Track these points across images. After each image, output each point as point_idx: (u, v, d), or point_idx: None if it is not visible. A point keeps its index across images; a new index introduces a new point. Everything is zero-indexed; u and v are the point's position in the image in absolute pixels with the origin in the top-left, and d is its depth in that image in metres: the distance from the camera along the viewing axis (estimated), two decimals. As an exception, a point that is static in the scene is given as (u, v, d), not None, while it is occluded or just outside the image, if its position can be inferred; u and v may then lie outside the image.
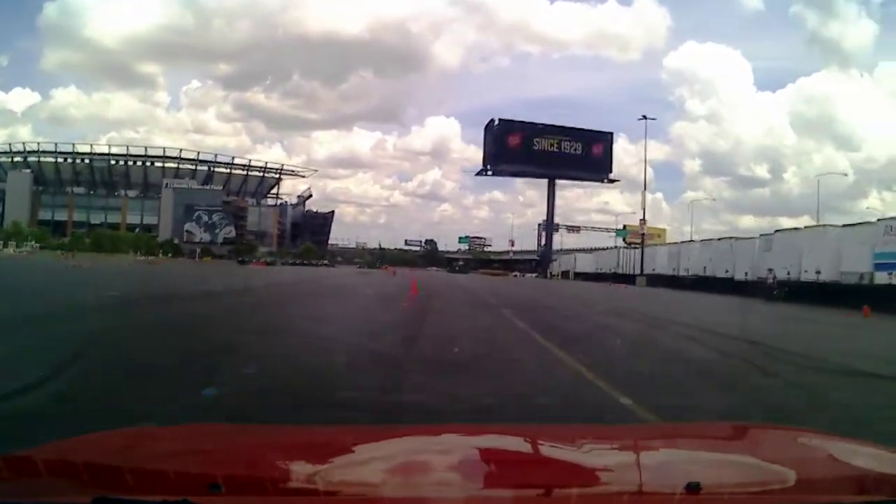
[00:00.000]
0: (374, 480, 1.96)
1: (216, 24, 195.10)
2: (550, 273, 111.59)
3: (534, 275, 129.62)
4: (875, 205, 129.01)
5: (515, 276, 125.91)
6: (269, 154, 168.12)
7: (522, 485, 1.87)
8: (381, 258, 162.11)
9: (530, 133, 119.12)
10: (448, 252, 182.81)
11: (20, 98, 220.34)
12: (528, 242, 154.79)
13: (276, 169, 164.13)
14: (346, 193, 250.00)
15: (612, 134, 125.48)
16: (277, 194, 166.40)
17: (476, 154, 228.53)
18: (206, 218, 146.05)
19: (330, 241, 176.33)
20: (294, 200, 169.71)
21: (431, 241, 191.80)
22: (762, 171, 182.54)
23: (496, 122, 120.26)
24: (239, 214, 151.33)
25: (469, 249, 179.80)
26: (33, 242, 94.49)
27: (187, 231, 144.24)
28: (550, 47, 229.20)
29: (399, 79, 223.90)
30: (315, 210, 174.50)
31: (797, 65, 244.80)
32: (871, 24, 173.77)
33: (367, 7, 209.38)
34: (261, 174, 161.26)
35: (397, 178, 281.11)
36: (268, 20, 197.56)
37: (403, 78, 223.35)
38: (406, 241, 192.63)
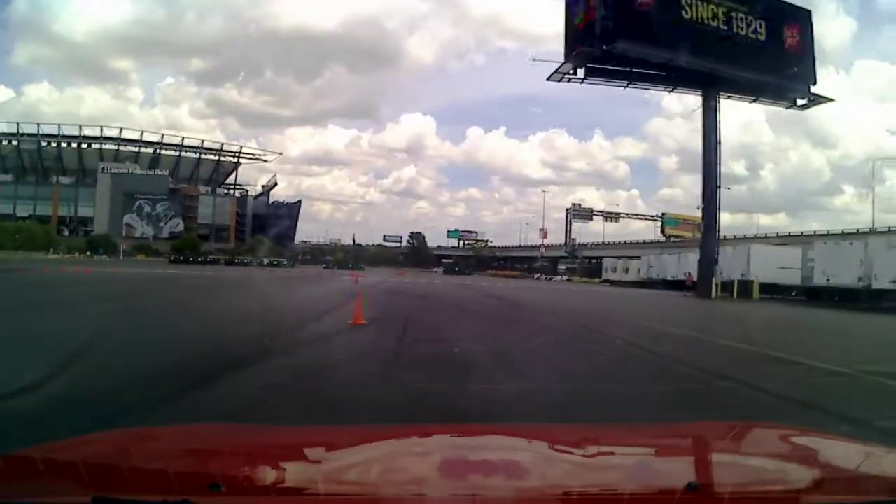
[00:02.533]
0: (374, 480, 1.98)
1: (189, 18, 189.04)
2: (715, 284, 46.96)
3: (561, 277, 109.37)
4: None
5: (538, 278, 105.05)
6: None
7: (523, 485, 1.91)
8: (355, 256, 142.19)
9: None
10: (437, 249, 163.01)
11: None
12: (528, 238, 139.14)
13: (234, 152, 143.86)
14: (320, 191, 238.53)
15: (809, 13, 57.32)
16: (235, 182, 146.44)
17: (451, 150, 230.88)
18: (148, 208, 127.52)
19: (298, 237, 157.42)
20: (258, 190, 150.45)
21: (418, 234, 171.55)
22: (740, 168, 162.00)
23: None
24: (188, 205, 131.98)
25: (468, 245, 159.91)
26: None
27: (126, 224, 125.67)
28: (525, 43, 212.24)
29: (373, 75, 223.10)
30: (281, 201, 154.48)
31: None
32: None
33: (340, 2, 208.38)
34: (216, 158, 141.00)
35: (373, 176, 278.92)
36: (241, 15, 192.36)
37: (377, 74, 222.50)
38: (385, 236, 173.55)
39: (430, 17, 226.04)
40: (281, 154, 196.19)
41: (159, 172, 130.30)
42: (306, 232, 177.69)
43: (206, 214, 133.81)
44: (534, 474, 2.06)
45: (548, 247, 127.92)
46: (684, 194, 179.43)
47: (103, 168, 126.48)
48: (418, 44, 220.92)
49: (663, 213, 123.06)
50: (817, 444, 2.33)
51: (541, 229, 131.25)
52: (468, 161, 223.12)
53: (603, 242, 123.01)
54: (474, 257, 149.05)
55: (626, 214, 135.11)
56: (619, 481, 1.91)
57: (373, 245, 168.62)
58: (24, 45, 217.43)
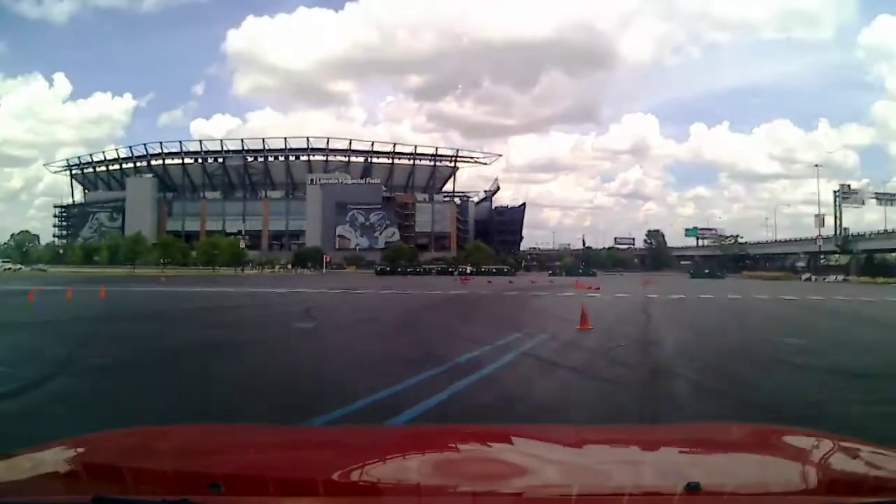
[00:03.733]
0: (374, 480, 1.98)
1: (401, 37, 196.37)
2: None
3: (836, 277, 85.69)
4: None
5: (808, 280, 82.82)
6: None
7: (522, 485, 1.90)
8: (585, 261, 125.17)
9: None
10: (673, 250, 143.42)
11: (220, 124, 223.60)
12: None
13: (451, 157, 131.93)
14: (547, 197, 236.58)
15: None
16: (454, 188, 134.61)
17: (675, 149, 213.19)
18: (361, 218, 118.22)
19: (526, 244, 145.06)
20: (481, 197, 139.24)
21: (656, 232, 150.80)
22: None
23: None
24: (405, 213, 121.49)
25: (714, 244, 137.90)
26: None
27: (339, 236, 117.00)
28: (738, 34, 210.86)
29: (590, 77, 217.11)
30: (504, 206, 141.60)
31: None
32: None
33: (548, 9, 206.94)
34: (431, 164, 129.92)
35: (599, 180, 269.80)
36: (451, 29, 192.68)
37: (594, 76, 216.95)
38: (616, 239, 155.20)
39: (639, 15, 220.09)
40: (500, 156, 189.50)
41: (371, 181, 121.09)
42: (534, 238, 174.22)
43: (424, 222, 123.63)
44: (533, 474, 2.06)
45: (806, 240, 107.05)
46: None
47: (312, 180, 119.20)
48: (631, 42, 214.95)
49: None
50: (817, 445, 2.30)
51: (816, 216, 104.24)
52: (694, 158, 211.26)
53: (885, 230, 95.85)
54: (720, 256, 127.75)
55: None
56: (619, 481, 1.89)
57: (604, 248, 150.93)
58: (243, 77, 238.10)
